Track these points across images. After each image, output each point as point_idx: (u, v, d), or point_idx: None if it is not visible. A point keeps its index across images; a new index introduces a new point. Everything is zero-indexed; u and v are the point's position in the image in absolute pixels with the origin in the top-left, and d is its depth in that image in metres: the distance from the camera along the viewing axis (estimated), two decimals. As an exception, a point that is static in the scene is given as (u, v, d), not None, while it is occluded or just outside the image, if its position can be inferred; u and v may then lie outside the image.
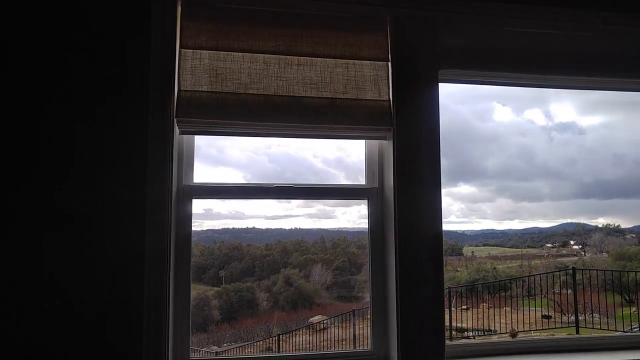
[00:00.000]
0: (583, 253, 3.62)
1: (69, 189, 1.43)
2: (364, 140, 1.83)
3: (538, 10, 1.72)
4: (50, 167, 1.43)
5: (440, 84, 1.68)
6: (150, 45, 1.49)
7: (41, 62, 1.45)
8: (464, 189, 3.15)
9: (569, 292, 3.55)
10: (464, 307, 3.67)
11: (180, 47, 1.55)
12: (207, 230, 2.40)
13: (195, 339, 2.32)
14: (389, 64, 1.69)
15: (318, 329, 2.85)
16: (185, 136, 1.66)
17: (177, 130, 1.56)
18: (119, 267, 1.43)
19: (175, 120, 1.53)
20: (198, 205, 1.88)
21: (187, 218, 1.62)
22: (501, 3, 1.68)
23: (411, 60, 1.67)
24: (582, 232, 3.68)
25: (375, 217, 1.74)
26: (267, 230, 2.53)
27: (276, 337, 2.78)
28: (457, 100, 3.06)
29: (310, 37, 1.65)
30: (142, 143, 1.47)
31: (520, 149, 3.24)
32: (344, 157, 2.35)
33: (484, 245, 3.70)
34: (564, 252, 3.69)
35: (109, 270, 1.42)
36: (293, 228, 2.49)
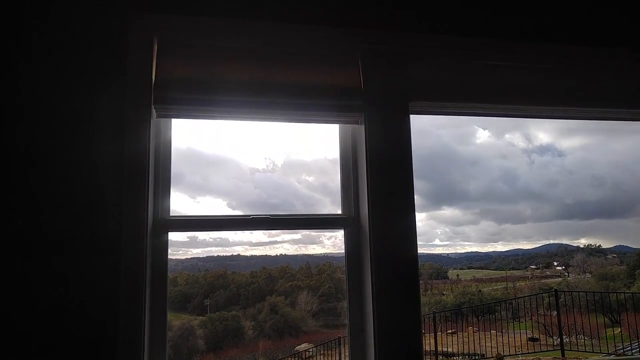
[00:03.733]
0: (566, 274, 3.64)
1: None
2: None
3: (505, 44, 1.80)
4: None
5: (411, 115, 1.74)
6: (125, 84, 1.52)
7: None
8: (448, 212, 3.18)
9: (553, 314, 3.55)
10: (451, 331, 3.64)
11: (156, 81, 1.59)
12: (191, 258, 2.38)
13: (179, 370, 2.27)
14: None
15: (304, 357, 2.80)
16: (162, 167, 1.67)
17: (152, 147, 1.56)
18: (91, 305, 1.41)
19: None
20: (182, 234, 1.85)
21: (164, 252, 1.62)
22: (467, 37, 1.76)
23: (382, 93, 1.72)
24: (564, 253, 3.71)
25: (352, 245, 1.76)
26: (252, 257, 2.51)
27: (262, 367, 2.73)
28: (439, 125, 3.12)
29: (284, 70, 1.70)
30: (118, 172, 1.48)
31: (502, 172, 3.30)
32: (328, 182, 2.37)
33: (469, 268, 3.70)
34: (548, 273, 3.71)
35: (80, 307, 1.40)
36: (278, 254, 2.49)
